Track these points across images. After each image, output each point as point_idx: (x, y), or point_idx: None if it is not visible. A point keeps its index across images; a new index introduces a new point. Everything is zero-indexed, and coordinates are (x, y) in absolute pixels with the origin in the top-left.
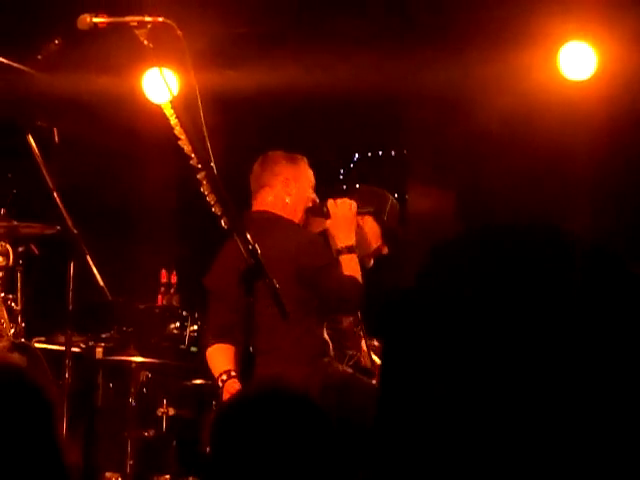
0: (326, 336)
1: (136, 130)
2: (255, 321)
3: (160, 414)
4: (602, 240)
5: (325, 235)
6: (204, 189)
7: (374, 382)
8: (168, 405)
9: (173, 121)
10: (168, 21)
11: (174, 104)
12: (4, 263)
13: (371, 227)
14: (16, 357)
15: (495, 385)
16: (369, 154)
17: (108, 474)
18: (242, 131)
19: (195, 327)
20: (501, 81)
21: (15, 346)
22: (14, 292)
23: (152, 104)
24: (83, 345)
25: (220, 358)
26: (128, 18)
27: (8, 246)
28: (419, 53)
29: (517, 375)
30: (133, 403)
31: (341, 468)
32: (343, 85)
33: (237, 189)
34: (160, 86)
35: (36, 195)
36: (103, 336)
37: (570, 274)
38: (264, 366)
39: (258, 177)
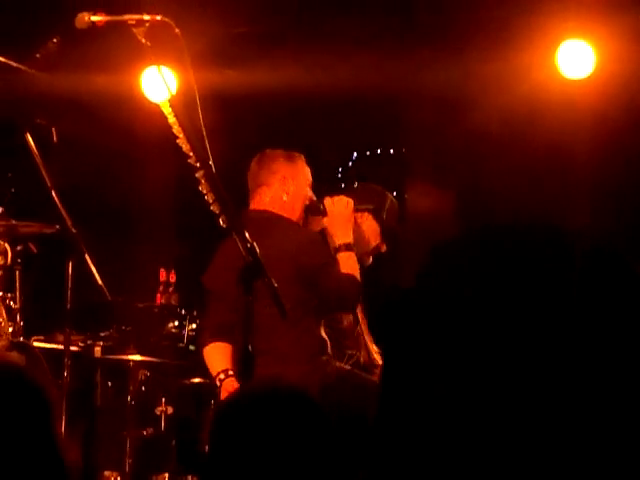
0: (324, 335)
1: (135, 129)
2: (254, 320)
3: (159, 413)
4: (602, 238)
5: (324, 233)
6: (202, 188)
7: (373, 378)
8: (167, 404)
9: (171, 120)
10: (166, 20)
11: (172, 103)
12: (2, 262)
13: (370, 225)
14: (15, 356)
15: (496, 385)
16: (368, 153)
17: (107, 473)
18: (241, 130)
19: (194, 326)
20: (500, 80)
21: (14, 345)
22: (13, 291)
23: (151, 103)
24: (82, 344)
25: (217, 357)
26: (126, 17)
27: (7, 245)
28: (418, 53)
29: (518, 375)
30: (132, 402)
31: (340, 467)
32: (342, 84)
33: (236, 188)
34: (158, 85)
35: (35, 194)
36: (102, 335)
37: (571, 274)
38: (262, 365)
39: (255, 176)
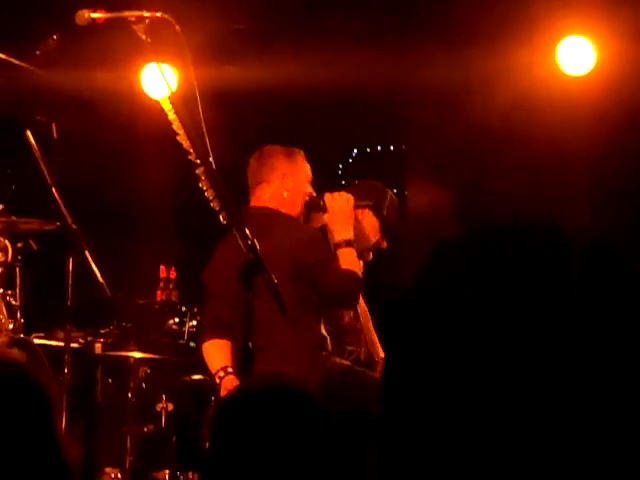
0: (324, 331)
1: (135, 125)
2: (254, 317)
3: (159, 409)
4: (601, 235)
5: (324, 230)
6: (203, 184)
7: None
8: (167, 400)
9: (171, 116)
10: (166, 16)
11: (172, 99)
12: (3, 259)
13: (370, 221)
14: (15, 353)
15: (497, 385)
16: (368, 150)
17: (107, 469)
18: (241, 126)
19: (194, 322)
20: (500, 77)
21: (14, 342)
22: (13, 288)
23: (151, 99)
24: (82, 341)
25: (217, 354)
26: (126, 13)
27: (7, 242)
28: (418, 49)
29: (518, 375)
30: (132, 398)
31: (340, 464)
32: (342, 81)
33: (236, 184)
34: (158, 81)
35: (35, 191)
36: (102, 332)
37: (571, 273)
38: (262, 362)
39: (255, 172)
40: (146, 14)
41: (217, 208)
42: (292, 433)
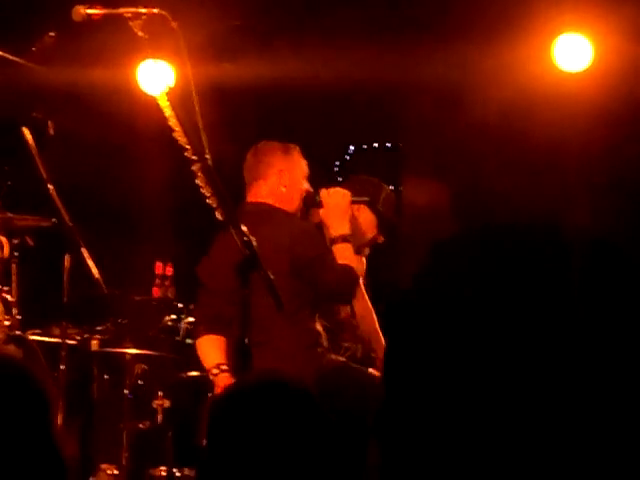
0: (319, 327)
1: (131, 122)
2: (250, 313)
3: (156, 406)
4: (600, 232)
5: (320, 226)
6: (199, 181)
7: (369, 371)
8: (164, 397)
9: (168, 113)
10: (163, 12)
11: (169, 96)
12: None
13: (366, 217)
14: (12, 349)
15: (499, 386)
16: (364, 147)
17: (104, 466)
18: (238, 123)
19: (191, 319)
20: (497, 74)
21: (10, 338)
22: (9, 284)
23: (147, 96)
24: (78, 337)
25: (211, 350)
26: (122, 10)
27: (3, 238)
28: (415, 47)
29: (520, 376)
30: (129, 395)
31: (337, 461)
32: (339, 78)
33: (233, 181)
34: (155, 78)
35: (31, 187)
36: (98, 328)
37: (572, 273)
38: (258, 358)
39: (252, 168)
40: (143, 10)
41: (214, 205)
42: (289, 430)
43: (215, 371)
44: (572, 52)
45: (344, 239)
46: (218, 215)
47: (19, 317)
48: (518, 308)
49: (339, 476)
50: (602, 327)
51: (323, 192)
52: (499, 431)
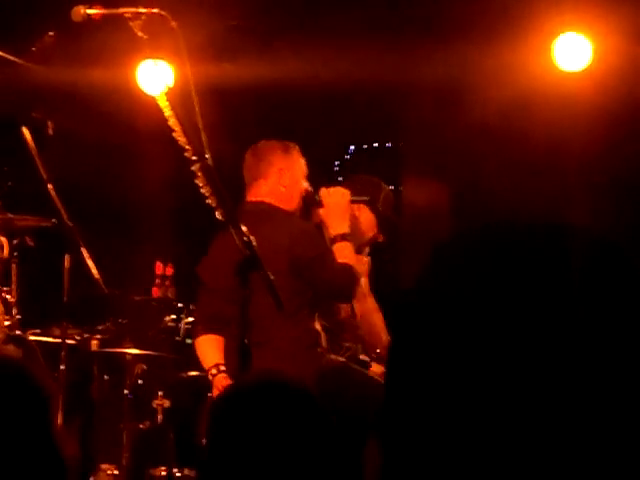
0: (318, 327)
1: (131, 122)
2: (249, 313)
3: (156, 406)
4: (600, 232)
5: (319, 225)
6: (199, 181)
7: (369, 372)
8: (164, 397)
9: (168, 113)
10: (163, 12)
11: (169, 96)
12: None
13: (367, 216)
14: (11, 349)
15: (501, 387)
16: (364, 147)
17: (104, 466)
18: (238, 123)
19: (191, 319)
20: (497, 74)
21: (10, 338)
22: (9, 284)
23: (147, 96)
24: (78, 337)
25: (210, 350)
26: (122, 10)
27: (3, 238)
28: (415, 47)
29: (522, 377)
30: (129, 395)
31: (337, 461)
32: (339, 78)
33: (233, 181)
34: (155, 78)
35: (31, 188)
36: (98, 328)
37: (573, 273)
38: (257, 358)
39: (251, 168)
40: (142, 10)
41: (214, 205)
42: (289, 430)
43: (214, 371)
44: (572, 52)
45: (344, 238)
46: (218, 215)
47: (19, 317)
48: (519, 308)
49: (339, 476)
50: (603, 327)
51: (323, 191)
52: (501, 430)
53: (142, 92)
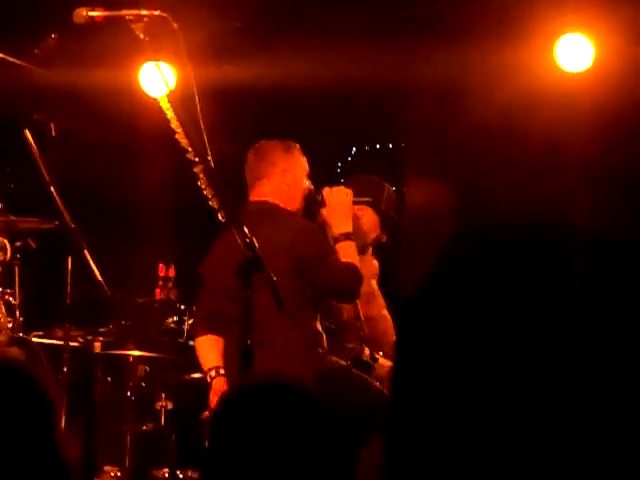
0: (319, 327)
1: (133, 124)
2: (252, 315)
3: (158, 408)
4: (601, 232)
5: (322, 225)
6: (201, 182)
7: (370, 377)
8: (166, 399)
9: (170, 115)
10: (164, 14)
11: (171, 98)
12: (2, 258)
13: (369, 217)
14: (15, 351)
15: (503, 389)
16: (366, 148)
17: (107, 468)
18: (240, 124)
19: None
20: (499, 74)
21: (13, 340)
22: (12, 286)
23: (149, 98)
24: (81, 339)
25: (210, 351)
26: (124, 12)
27: (5, 241)
28: (417, 47)
29: (525, 376)
30: (131, 397)
31: (337, 462)
32: (341, 79)
33: (235, 182)
34: (157, 80)
35: (33, 190)
36: (101, 330)
37: (575, 274)
38: (257, 356)
39: (254, 168)
40: (144, 12)
41: (216, 206)
42: (291, 431)
43: (213, 374)
44: (574, 52)
45: (347, 237)
46: (220, 216)
47: (22, 319)
48: (520, 308)
49: (339, 476)
50: (604, 326)
51: (326, 190)
52: (502, 428)
53: (144, 94)
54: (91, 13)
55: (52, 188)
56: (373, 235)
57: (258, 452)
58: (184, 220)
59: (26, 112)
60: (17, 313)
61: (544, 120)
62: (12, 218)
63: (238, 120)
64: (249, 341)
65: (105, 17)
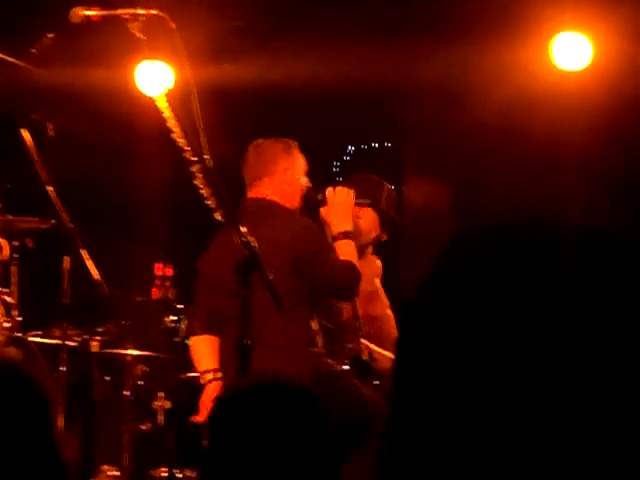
0: (315, 326)
1: (131, 123)
2: (250, 314)
3: (156, 407)
4: (601, 230)
5: (322, 224)
6: (198, 182)
7: (370, 376)
8: (164, 398)
9: (167, 114)
10: (161, 14)
11: (168, 97)
12: None
13: (369, 217)
14: (12, 351)
15: (506, 387)
16: (364, 147)
17: (105, 467)
18: (237, 124)
19: None
20: (497, 74)
21: (11, 340)
22: (9, 286)
23: (146, 97)
24: (79, 339)
25: (206, 352)
26: (121, 11)
27: (3, 240)
28: (414, 47)
29: (525, 375)
30: (129, 396)
31: (337, 462)
32: (338, 78)
33: (233, 182)
34: (154, 79)
35: (31, 189)
36: (99, 329)
37: (575, 273)
38: (254, 355)
39: (254, 167)
40: (141, 12)
41: (213, 206)
42: (289, 431)
43: (209, 377)
44: (571, 51)
45: (346, 236)
46: (217, 216)
47: (19, 319)
48: (520, 308)
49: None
50: (605, 325)
51: (329, 190)
52: (504, 427)
53: (141, 93)
54: (88, 12)
55: (49, 188)
56: (373, 234)
57: (257, 451)
58: (181, 219)
59: (23, 112)
60: (14, 313)
61: (542, 119)
62: (10, 218)
63: (236, 119)
64: (247, 341)
65: (102, 16)
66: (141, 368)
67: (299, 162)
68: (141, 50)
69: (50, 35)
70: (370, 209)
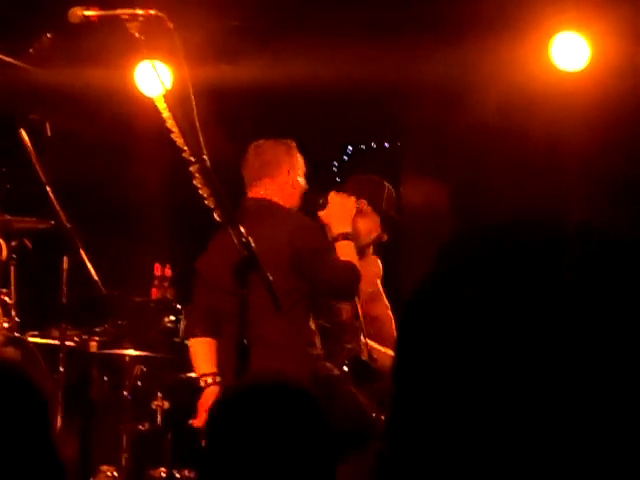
0: (313, 326)
1: (129, 123)
2: (249, 314)
3: (155, 407)
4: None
5: (322, 225)
6: (197, 182)
7: (369, 375)
8: (163, 398)
9: (166, 114)
10: (160, 14)
11: (167, 97)
12: None
13: (370, 217)
14: (10, 351)
15: (506, 387)
16: (363, 147)
17: (103, 467)
18: (236, 124)
19: None
20: (496, 74)
21: (9, 340)
22: (8, 286)
23: (145, 97)
24: (77, 339)
25: (206, 354)
26: (119, 11)
27: (1, 240)
28: (413, 47)
29: (526, 375)
30: (128, 396)
31: (335, 462)
32: (337, 78)
33: (232, 182)
34: (153, 79)
35: (29, 189)
36: (97, 330)
37: (575, 273)
38: (253, 355)
39: (255, 167)
40: (139, 12)
41: (212, 206)
42: (289, 431)
43: (209, 380)
44: (570, 51)
45: (345, 237)
46: (216, 216)
47: (18, 319)
48: (521, 307)
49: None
50: (605, 324)
51: (332, 195)
52: (505, 426)
53: (140, 93)
54: (86, 12)
55: (48, 188)
56: (374, 235)
57: (256, 452)
58: (180, 219)
59: (22, 112)
60: (13, 313)
61: (542, 119)
62: (8, 218)
63: (235, 119)
64: (246, 341)
65: (100, 16)
66: (140, 368)
67: (299, 163)
68: (139, 50)
69: (49, 35)
70: (370, 209)
